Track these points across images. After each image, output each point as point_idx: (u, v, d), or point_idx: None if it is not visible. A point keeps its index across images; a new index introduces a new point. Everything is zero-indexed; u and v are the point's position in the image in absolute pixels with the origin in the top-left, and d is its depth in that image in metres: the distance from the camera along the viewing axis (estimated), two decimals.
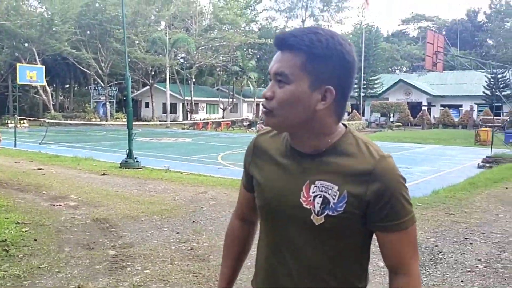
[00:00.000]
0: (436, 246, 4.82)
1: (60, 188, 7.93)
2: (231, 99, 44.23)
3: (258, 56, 45.54)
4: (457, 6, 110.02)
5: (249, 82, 41.36)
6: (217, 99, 45.51)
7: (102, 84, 38.95)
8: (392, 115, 39.04)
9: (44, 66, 30.45)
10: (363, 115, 40.28)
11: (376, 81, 43.41)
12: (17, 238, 4.76)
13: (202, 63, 40.97)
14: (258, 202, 1.28)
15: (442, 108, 38.92)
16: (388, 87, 42.30)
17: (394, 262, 1.17)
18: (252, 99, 45.60)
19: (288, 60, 1.10)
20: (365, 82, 41.60)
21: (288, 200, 1.17)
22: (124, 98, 44.62)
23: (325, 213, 1.13)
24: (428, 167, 12.75)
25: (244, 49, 43.10)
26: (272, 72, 1.13)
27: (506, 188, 8.63)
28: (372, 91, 43.01)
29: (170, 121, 36.64)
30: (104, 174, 9.78)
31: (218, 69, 46.25)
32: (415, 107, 39.09)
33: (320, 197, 1.13)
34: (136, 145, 12.77)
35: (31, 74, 29.31)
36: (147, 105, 45.25)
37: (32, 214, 5.86)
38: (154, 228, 5.32)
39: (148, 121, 38.14)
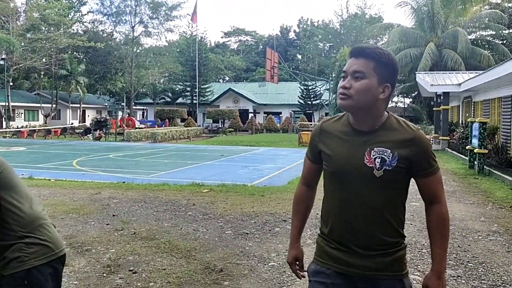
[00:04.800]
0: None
1: None
2: (54, 105, 41.25)
3: (85, 60, 43.41)
4: (271, 22, 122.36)
5: (78, 87, 39.30)
6: (38, 104, 41.90)
7: None
8: (223, 121, 41.96)
9: None
10: (196, 121, 42.32)
11: (207, 89, 46.04)
12: None
13: (21, 65, 37.28)
14: (330, 169, 1.71)
15: (266, 115, 43.66)
16: (218, 95, 45.32)
17: (431, 196, 1.68)
18: (78, 105, 43.39)
19: (364, 63, 1.59)
20: (196, 90, 43.78)
21: (355, 163, 1.64)
22: None
23: (383, 168, 1.61)
24: (271, 165, 14.97)
25: (70, 52, 40.66)
26: (350, 70, 1.60)
27: None
28: (204, 99, 45.46)
29: None
30: None
31: (41, 72, 42.47)
32: (242, 114, 42.84)
33: (379, 158, 1.61)
34: None
35: None
36: None
37: None
38: (80, 223, 5.76)
39: None
